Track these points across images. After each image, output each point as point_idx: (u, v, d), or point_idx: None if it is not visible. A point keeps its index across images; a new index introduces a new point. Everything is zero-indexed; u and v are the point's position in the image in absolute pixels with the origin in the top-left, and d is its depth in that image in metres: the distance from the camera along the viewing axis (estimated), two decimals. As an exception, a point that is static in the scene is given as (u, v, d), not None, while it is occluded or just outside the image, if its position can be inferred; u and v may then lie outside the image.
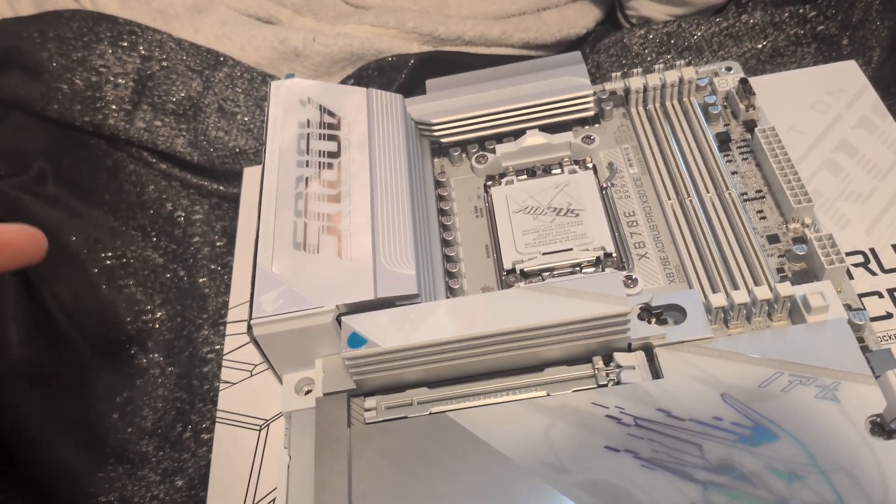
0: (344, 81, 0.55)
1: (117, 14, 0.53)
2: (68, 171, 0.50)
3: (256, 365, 0.38)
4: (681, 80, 0.42)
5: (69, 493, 0.41)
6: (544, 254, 0.37)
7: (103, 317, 0.46)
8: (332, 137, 0.40)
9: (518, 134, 0.42)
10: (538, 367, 0.33)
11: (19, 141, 0.51)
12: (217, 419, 0.37)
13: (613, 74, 0.44)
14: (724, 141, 0.41)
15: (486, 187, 0.42)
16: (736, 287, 0.34)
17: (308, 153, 0.39)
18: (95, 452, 0.42)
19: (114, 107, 0.50)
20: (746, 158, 0.40)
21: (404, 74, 0.53)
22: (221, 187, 0.51)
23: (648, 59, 0.54)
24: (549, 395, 0.32)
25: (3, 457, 0.44)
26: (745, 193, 0.39)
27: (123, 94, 0.50)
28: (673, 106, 0.43)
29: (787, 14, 0.54)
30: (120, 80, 0.50)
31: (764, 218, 0.38)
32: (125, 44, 0.51)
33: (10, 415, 0.42)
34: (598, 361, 0.32)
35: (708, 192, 0.38)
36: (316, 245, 0.35)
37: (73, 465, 0.41)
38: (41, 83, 0.51)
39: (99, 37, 0.51)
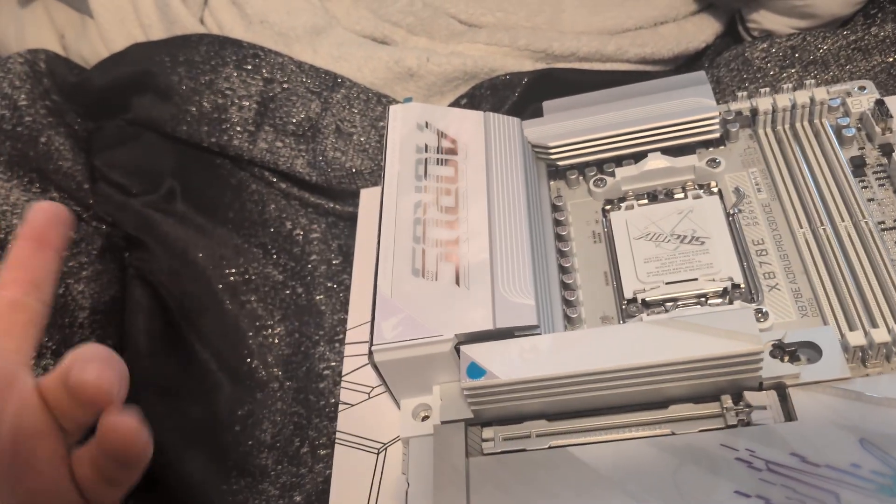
0: (457, 100, 0.55)
1: (242, 38, 0.55)
2: (195, 189, 0.53)
3: (374, 387, 0.39)
4: (812, 101, 0.40)
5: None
6: (667, 283, 0.36)
7: (227, 331, 0.48)
8: (449, 162, 0.40)
9: (638, 157, 0.41)
10: (662, 404, 0.32)
11: (151, 160, 0.54)
12: (336, 441, 0.37)
13: (739, 94, 0.42)
14: (858, 166, 0.39)
15: (605, 211, 0.41)
16: (874, 324, 0.33)
17: (426, 178, 0.39)
18: (219, 464, 0.43)
19: (238, 128, 0.52)
20: (883, 185, 0.38)
21: (517, 93, 0.53)
22: (338, 206, 0.52)
23: (771, 73, 0.52)
24: (673, 433, 0.31)
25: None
26: (883, 222, 0.37)
27: (247, 116, 0.52)
28: (803, 128, 0.41)
29: (921, 25, 0.51)
30: (244, 103, 0.52)
31: (905, 249, 0.36)
32: (249, 67, 0.53)
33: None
34: (727, 400, 0.31)
35: (843, 220, 0.36)
36: (434, 272, 0.35)
37: (199, 476, 0.43)
38: (171, 105, 0.53)
39: (225, 60, 0.53)
